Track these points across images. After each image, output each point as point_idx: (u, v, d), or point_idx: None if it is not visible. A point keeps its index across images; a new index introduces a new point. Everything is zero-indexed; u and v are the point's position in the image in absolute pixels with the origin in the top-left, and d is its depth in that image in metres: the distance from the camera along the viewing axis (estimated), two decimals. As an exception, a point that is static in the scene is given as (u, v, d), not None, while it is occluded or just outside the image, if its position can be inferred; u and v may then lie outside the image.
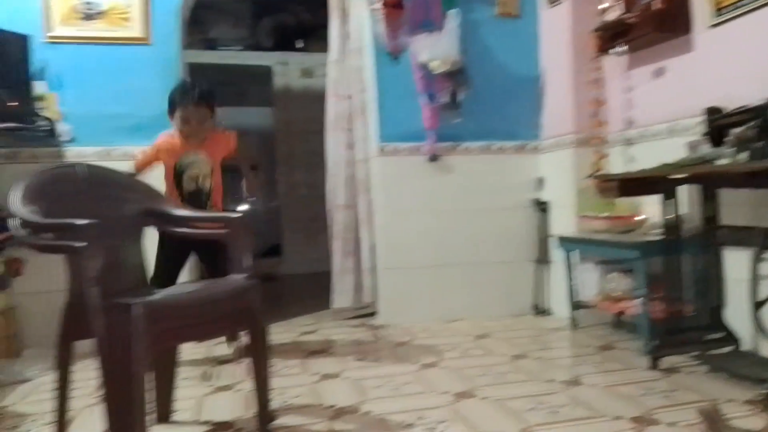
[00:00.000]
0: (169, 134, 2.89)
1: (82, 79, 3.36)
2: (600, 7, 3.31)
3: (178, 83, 2.96)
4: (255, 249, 2.03)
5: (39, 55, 3.25)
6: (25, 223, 1.66)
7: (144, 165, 2.86)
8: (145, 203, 2.12)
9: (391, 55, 3.67)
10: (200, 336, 2.18)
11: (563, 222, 3.65)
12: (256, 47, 6.37)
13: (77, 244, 1.56)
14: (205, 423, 2.17)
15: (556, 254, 3.63)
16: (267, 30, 6.44)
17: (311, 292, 5.10)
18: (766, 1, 2.59)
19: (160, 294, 1.84)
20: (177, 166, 2.84)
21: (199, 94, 2.82)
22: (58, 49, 3.33)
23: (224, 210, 2.90)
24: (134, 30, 3.41)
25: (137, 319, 1.57)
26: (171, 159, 2.84)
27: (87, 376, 2.54)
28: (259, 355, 1.98)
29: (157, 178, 2.72)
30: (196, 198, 2.84)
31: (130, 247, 2.06)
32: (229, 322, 1.95)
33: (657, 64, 3.24)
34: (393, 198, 3.71)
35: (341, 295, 3.89)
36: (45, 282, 3.14)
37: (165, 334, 1.69)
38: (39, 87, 3.24)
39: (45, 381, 2.69)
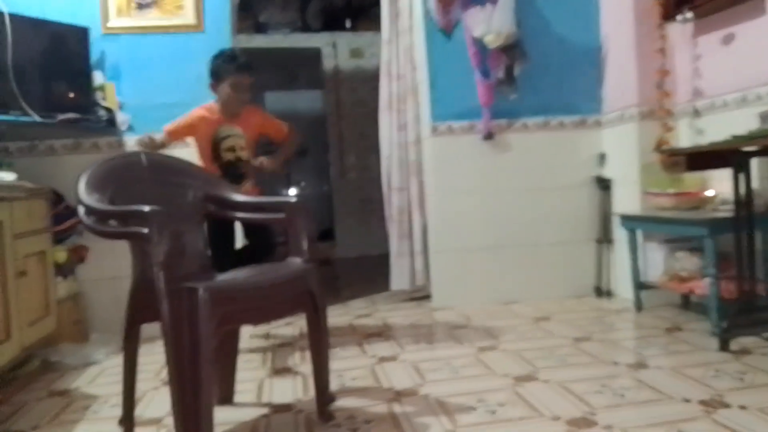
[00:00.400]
0: (204, 107, 2.88)
1: (139, 68, 3.43)
2: (664, -29, 3.15)
3: (221, 52, 2.87)
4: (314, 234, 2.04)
5: (97, 47, 3.33)
6: (91, 211, 1.70)
7: (177, 134, 2.86)
8: (205, 189, 2.15)
9: (443, 31, 3.60)
10: (262, 318, 2.21)
11: (627, 200, 3.51)
12: (305, 29, 6.37)
13: (144, 230, 1.59)
14: (266, 405, 2.20)
15: (619, 233, 3.51)
16: (315, 11, 6.43)
17: (365, 275, 5.13)
18: None
19: (224, 278, 1.87)
20: (214, 136, 2.81)
21: (247, 63, 2.81)
22: (115, 39, 3.40)
23: (259, 185, 2.94)
24: (187, 17, 3.44)
25: (203, 302, 1.59)
26: (209, 129, 2.81)
27: (152, 359, 2.65)
28: (319, 338, 1.99)
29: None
30: (234, 168, 2.83)
31: (193, 232, 2.09)
32: (290, 305, 1.96)
33: (726, 30, 3.06)
34: (446, 179, 3.65)
35: (399, 278, 3.88)
36: (108, 269, 3.27)
37: (229, 316, 1.71)
38: (97, 78, 3.32)
39: (112, 364, 2.80)
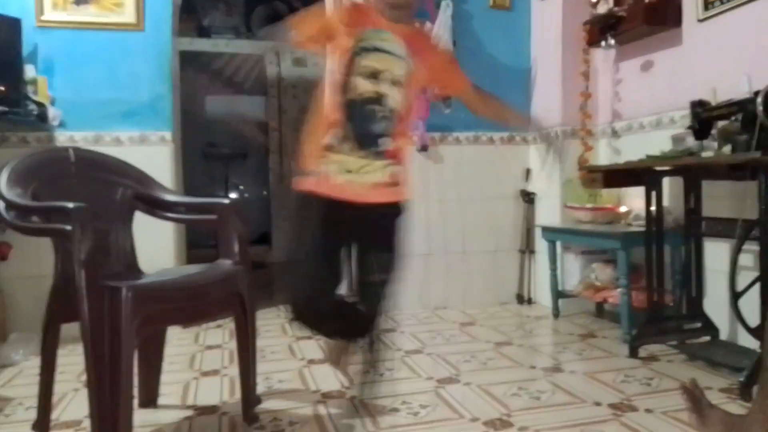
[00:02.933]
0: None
1: (73, 64, 3.35)
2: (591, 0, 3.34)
3: None
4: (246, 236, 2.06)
5: (30, 40, 3.25)
6: (12, 206, 1.67)
7: (315, 37, 1.85)
8: (135, 188, 2.14)
9: (382, 45, 3.67)
10: (188, 320, 2.20)
11: (549, 213, 3.69)
12: (249, 36, 6.36)
13: (66, 227, 1.58)
14: (190, 407, 2.20)
15: (541, 244, 3.68)
16: (260, 18, 6.43)
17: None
18: (751, -3, 2.63)
19: (149, 277, 1.87)
20: (358, 44, 1.74)
21: None
22: (49, 33, 3.32)
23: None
24: (127, 16, 3.40)
25: (125, 301, 1.58)
26: (352, 29, 1.75)
27: (75, 360, 2.59)
28: (246, 340, 2.01)
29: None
30: (368, 111, 1.74)
31: (120, 232, 2.08)
32: (218, 307, 1.97)
33: (645, 57, 3.28)
34: (382, 187, 3.73)
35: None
36: (32, 267, 3.16)
37: (153, 317, 1.71)
38: (29, 71, 3.23)
39: (31, 365, 2.72)
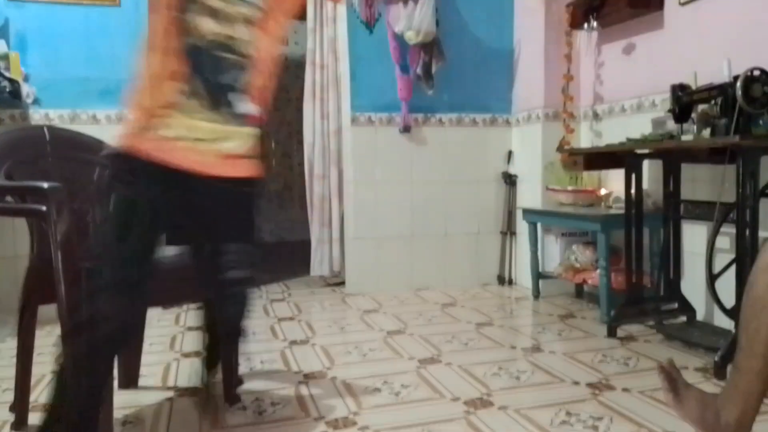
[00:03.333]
0: None
1: (48, 39, 3.28)
2: (574, -19, 3.33)
3: None
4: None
5: (1, 14, 3.16)
6: (-13, 185, 1.64)
7: None
8: (112, 168, 2.09)
9: (365, 23, 3.65)
10: (170, 302, 2.19)
11: (530, 195, 3.71)
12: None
13: (42, 208, 1.55)
14: (171, 388, 2.19)
15: (522, 226, 3.70)
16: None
17: (283, 261, 5.12)
18: (733, -19, 2.64)
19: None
20: None
21: None
22: (22, 6, 3.23)
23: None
24: (102, -10, 3.32)
25: (104, 282, 1.56)
26: None
27: (50, 341, 2.56)
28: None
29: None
30: (218, 60, 1.43)
31: (98, 213, 2.04)
32: (200, 288, 1.95)
33: (627, 40, 3.28)
34: (364, 168, 3.72)
35: (319, 265, 3.92)
36: (6, 246, 3.12)
37: (132, 298, 1.68)
38: (0, 47, 3.15)
39: (6, 347, 2.68)
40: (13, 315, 2.80)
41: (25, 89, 3.21)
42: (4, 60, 3.13)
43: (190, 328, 2.97)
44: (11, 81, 3.13)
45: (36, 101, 3.26)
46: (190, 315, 3.21)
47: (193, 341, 2.75)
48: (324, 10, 3.84)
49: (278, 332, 2.90)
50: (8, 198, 1.68)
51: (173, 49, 1.39)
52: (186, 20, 1.38)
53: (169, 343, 2.73)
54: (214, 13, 1.41)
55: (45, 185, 1.56)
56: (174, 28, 1.38)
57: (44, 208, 1.55)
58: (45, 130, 1.99)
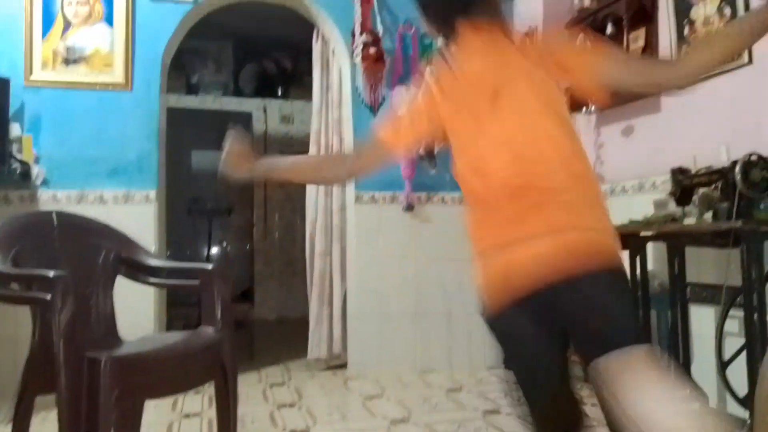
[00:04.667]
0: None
1: (60, 122, 3.36)
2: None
3: None
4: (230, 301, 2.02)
5: (17, 98, 3.26)
6: (-7, 272, 1.64)
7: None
8: (118, 252, 2.11)
9: (369, 107, 3.75)
10: (169, 391, 2.12)
11: (536, 274, 3.68)
12: (237, 92, 6.45)
13: (47, 297, 1.54)
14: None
15: (529, 306, 3.65)
16: (248, 76, 6.53)
17: (283, 340, 5.06)
18: (727, 68, 2.72)
19: (131, 347, 1.82)
20: None
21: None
22: (37, 92, 3.33)
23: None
24: (116, 76, 3.43)
25: (105, 374, 1.54)
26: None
27: (44, 429, 2.49)
28: (227, 410, 1.95)
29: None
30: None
31: (101, 296, 2.04)
32: (200, 377, 1.92)
33: (626, 122, 3.36)
34: (368, 246, 3.72)
35: (317, 346, 3.85)
36: (8, 328, 3.07)
37: (133, 389, 1.65)
38: (15, 130, 3.23)
39: (0, 433, 2.61)
40: (8, 400, 2.76)
41: (35, 170, 3.27)
42: (17, 143, 3.21)
43: (187, 416, 2.88)
44: (22, 163, 3.20)
45: (45, 182, 3.31)
46: (188, 400, 3.13)
47: (191, 430, 2.67)
48: (330, 94, 3.96)
49: (278, 420, 2.81)
50: (14, 285, 1.67)
51: None
52: None
53: (165, 431, 2.65)
54: None
55: (51, 274, 1.56)
56: None
57: (48, 296, 1.54)
58: (53, 215, 2.01)
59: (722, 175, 2.40)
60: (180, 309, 4.05)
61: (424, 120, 1.44)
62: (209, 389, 3.13)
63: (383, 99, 3.75)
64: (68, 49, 3.36)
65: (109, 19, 3.43)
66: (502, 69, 1.36)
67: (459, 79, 1.40)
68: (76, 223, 2.09)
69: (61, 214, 2.06)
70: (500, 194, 1.33)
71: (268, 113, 6.42)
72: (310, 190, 3.98)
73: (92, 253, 2.05)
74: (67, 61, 3.37)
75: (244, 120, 6.50)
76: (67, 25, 3.37)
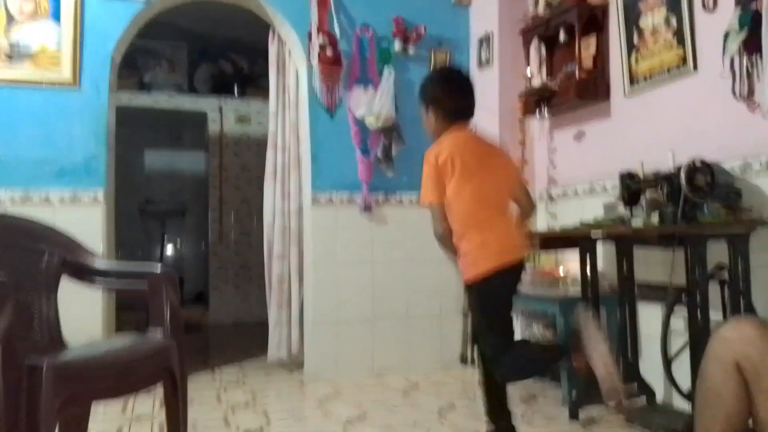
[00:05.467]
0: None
1: (4, 121, 3.24)
2: (526, 73, 3.50)
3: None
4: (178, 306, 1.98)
5: (-42, 95, 3.13)
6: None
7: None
8: (62, 255, 2.04)
9: (327, 109, 3.74)
10: (114, 395, 2.07)
11: (491, 275, 3.72)
12: (192, 92, 6.34)
13: (-17, 302, 1.48)
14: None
15: (484, 307, 3.69)
16: (204, 75, 6.43)
17: (238, 343, 4.99)
18: (674, 76, 2.81)
19: (75, 353, 1.76)
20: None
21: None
22: (-19, 89, 3.21)
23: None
24: (63, 74, 3.32)
25: (46, 381, 1.48)
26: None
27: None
28: (176, 415, 1.91)
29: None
30: None
31: (44, 301, 1.96)
32: (146, 381, 1.87)
33: (577, 127, 3.44)
34: (325, 248, 3.70)
35: (276, 349, 3.80)
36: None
37: (77, 396, 1.60)
38: (-46, 127, 3.10)
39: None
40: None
41: (-24, 170, 3.14)
42: (-43, 141, 3.08)
43: (137, 419, 2.82)
44: (-38, 162, 3.07)
45: (-13, 182, 3.18)
46: (138, 402, 3.05)
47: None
48: (287, 95, 3.93)
49: (231, 423, 2.77)
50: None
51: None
52: None
53: (114, 436, 2.59)
54: None
55: (-13, 278, 1.49)
56: None
57: (-15, 302, 1.48)
58: (-7, 217, 1.93)
59: (668, 179, 2.48)
60: (130, 313, 3.95)
61: (443, 180, 2.29)
62: (161, 390, 3.09)
63: (340, 101, 3.74)
64: (12, 46, 3.23)
65: (56, 16, 3.32)
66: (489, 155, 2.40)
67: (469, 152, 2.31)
68: (17, 225, 2.02)
69: (2, 217, 1.98)
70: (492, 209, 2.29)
71: (224, 113, 6.32)
72: (268, 193, 3.94)
73: (35, 257, 1.98)
74: (11, 58, 3.25)
75: (199, 120, 6.40)
76: (11, 20, 3.25)
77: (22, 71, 3.27)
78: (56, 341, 1.95)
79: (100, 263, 2.10)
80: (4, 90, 3.24)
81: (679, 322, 2.63)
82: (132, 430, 2.68)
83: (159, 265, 2.15)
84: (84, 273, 2.06)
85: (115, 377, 1.71)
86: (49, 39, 3.31)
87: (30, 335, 1.86)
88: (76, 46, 3.34)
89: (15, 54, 3.24)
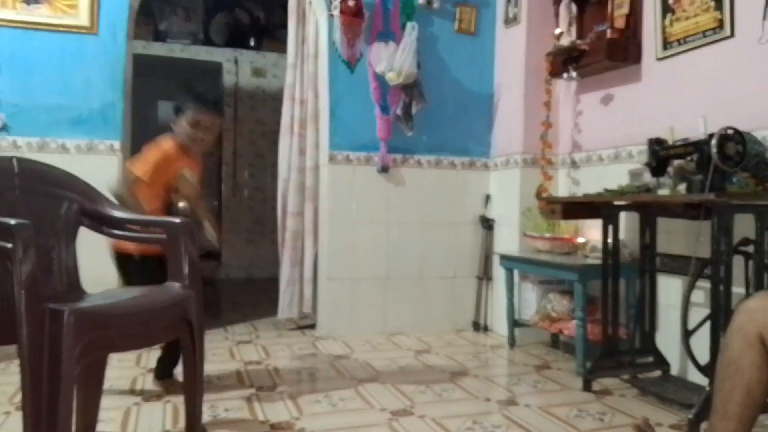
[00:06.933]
0: (171, 143, 2.62)
1: (21, 65, 3.19)
2: (555, 32, 3.38)
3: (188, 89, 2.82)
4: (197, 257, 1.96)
5: (-27, 37, 3.07)
6: (-54, 219, 1.54)
7: (152, 177, 2.47)
8: (81, 202, 2.01)
9: (347, 63, 3.65)
10: (133, 345, 2.08)
11: (507, 240, 3.70)
12: (208, 43, 6.23)
13: (7, 245, 1.46)
14: (133, 436, 2.07)
15: (498, 272, 3.67)
16: (219, 26, 6.31)
17: (250, 298, 5.02)
18: (709, 40, 2.71)
19: (94, 300, 1.75)
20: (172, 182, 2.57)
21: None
22: (-5, 32, 3.15)
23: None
24: (80, 18, 3.25)
25: (68, 326, 1.47)
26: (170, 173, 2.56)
27: (7, 380, 2.43)
28: (193, 367, 1.91)
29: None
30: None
31: (63, 248, 1.95)
32: (165, 332, 1.87)
33: (605, 91, 3.34)
34: (340, 207, 3.67)
35: (287, 306, 3.81)
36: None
37: (97, 343, 1.60)
38: (-31, 71, 3.05)
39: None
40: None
41: (-7, 114, 3.11)
42: (-27, 84, 3.04)
43: (151, 370, 2.84)
44: (-22, 106, 3.03)
45: (4, 128, 3.15)
46: (152, 355, 3.07)
47: (155, 384, 2.63)
48: (305, 47, 3.84)
49: (245, 378, 2.79)
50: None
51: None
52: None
53: (129, 386, 2.61)
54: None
55: (12, 222, 1.47)
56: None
57: (9, 245, 1.46)
58: (14, 161, 1.90)
59: (698, 147, 2.40)
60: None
61: None
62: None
63: (360, 55, 3.65)
64: (28, -13, 3.16)
65: (73, -43, 3.23)
66: None
67: None
68: (39, 170, 1.98)
69: (22, 161, 1.94)
70: None
71: (240, 65, 6.23)
72: (283, 148, 3.88)
73: (55, 203, 1.96)
74: (28, 1, 3.17)
75: (214, 70, 6.30)
76: (28, -40, 3.17)
77: (39, 14, 3.20)
78: (75, 288, 1.95)
79: (119, 213, 2.08)
80: (20, 33, 3.18)
81: (699, 294, 2.59)
82: (147, 380, 2.71)
83: (177, 217, 2.13)
84: (103, 222, 2.04)
85: (136, 325, 1.71)
86: (66, -19, 3.23)
87: (49, 281, 1.85)
88: (94, -10, 3.26)
89: (31, -4, 3.16)
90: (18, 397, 2.37)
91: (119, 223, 2.05)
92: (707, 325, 2.32)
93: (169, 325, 1.83)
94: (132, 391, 2.54)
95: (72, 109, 3.24)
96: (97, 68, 3.27)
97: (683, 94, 2.84)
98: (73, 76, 3.24)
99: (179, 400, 2.18)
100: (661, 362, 2.76)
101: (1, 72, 3.15)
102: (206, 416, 2.17)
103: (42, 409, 1.47)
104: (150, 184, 2.46)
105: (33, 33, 3.19)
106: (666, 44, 2.95)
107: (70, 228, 1.99)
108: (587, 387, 2.66)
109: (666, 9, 2.94)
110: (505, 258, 3.51)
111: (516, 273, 3.51)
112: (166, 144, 2.61)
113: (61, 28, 3.23)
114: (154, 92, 7.19)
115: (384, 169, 3.71)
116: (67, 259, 1.96)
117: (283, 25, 4.06)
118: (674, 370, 2.76)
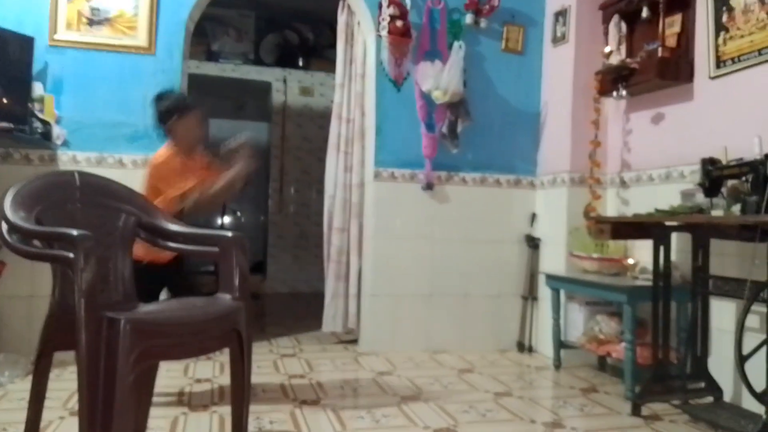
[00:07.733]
0: (168, 152, 2.68)
1: (83, 84, 3.34)
2: (604, 50, 3.36)
3: (165, 94, 2.81)
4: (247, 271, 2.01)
5: (41, 58, 3.24)
6: (15, 229, 1.62)
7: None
8: (138, 215, 2.09)
9: (393, 82, 3.70)
10: (184, 354, 2.14)
11: (553, 259, 3.65)
12: (258, 62, 6.40)
13: (70, 255, 1.53)
14: (181, 444, 2.12)
15: (544, 291, 3.62)
16: (269, 46, 6.47)
17: (294, 313, 5.07)
18: (764, 59, 2.64)
19: (149, 310, 1.81)
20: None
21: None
22: (61, 52, 3.31)
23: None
24: (139, 39, 3.40)
25: (124, 334, 1.53)
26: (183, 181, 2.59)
27: (60, 386, 2.52)
28: (241, 378, 1.94)
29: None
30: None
31: (120, 259, 2.02)
32: (215, 343, 1.92)
33: (656, 109, 3.28)
34: (385, 223, 3.69)
35: (331, 320, 3.84)
36: (25, 286, 3.10)
37: (151, 351, 1.65)
38: (37, 89, 3.21)
39: (17, 389, 2.64)
40: (24, 356, 2.80)
41: (56, 131, 3.26)
42: (39, 102, 3.20)
43: (198, 381, 2.90)
44: (44, 123, 3.18)
45: (65, 143, 3.30)
46: (200, 366, 3.15)
47: (203, 394, 2.69)
48: (353, 67, 3.91)
49: (289, 391, 2.82)
50: (36, 242, 1.67)
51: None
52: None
53: (177, 396, 2.67)
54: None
55: (74, 233, 1.55)
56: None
57: (72, 255, 1.53)
58: (75, 175, 1.99)
59: (753, 167, 2.34)
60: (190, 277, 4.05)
61: None
62: (220, 357, 3.19)
63: (407, 74, 3.69)
64: (93, 10, 3.32)
65: (134, -19, 3.39)
66: None
67: None
68: (98, 184, 2.07)
69: (83, 174, 2.03)
70: None
71: (288, 84, 6.36)
72: (330, 165, 3.94)
73: (113, 216, 2.04)
74: (92, 22, 3.34)
75: (263, 89, 6.46)
76: (93, -16, 3.33)
77: (101, 35, 3.36)
78: (130, 298, 2.01)
79: (174, 226, 2.14)
80: (83, 53, 3.34)
81: (755, 319, 2.50)
82: (194, 389, 2.77)
83: (230, 231, 2.18)
84: (157, 235, 2.11)
85: (189, 335, 1.75)
86: (127, 4, 3.38)
87: (106, 290, 1.92)
88: (153, 12, 3.41)
89: (95, 18, 3.33)
90: (71, 403, 2.46)
91: (174, 236, 2.12)
92: (763, 350, 2.24)
93: (219, 336, 1.88)
94: (180, 401, 2.60)
95: (129, 126, 3.37)
96: (154, 86, 3.38)
97: (737, 114, 2.78)
98: (131, 94, 3.38)
99: (226, 411, 2.22)
100: (714, 388, 2.67)
101: (65, 89, 3.31)
102: (252, 428, 2.20)
103: (97, 413, 1.52)
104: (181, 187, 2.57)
105: (95, 53, 3.35)
106: (719, 63, 2.89)
107: (126, 240, 2.06)
108: (636, 412, 2.59)
109: (719, 27, 2.89)
110: (551, 278, 3.47)
111: (562, 293, 3.45)
112: (167, 154, 2.69)
113: (121, 49, 3.38)
114: (206, 110, 7.41)
115: (429, 187, 3.72)
116: (123, 269, 2.03)
117: (331, 45, 4.15)
118: (727, 397, 2.66)
